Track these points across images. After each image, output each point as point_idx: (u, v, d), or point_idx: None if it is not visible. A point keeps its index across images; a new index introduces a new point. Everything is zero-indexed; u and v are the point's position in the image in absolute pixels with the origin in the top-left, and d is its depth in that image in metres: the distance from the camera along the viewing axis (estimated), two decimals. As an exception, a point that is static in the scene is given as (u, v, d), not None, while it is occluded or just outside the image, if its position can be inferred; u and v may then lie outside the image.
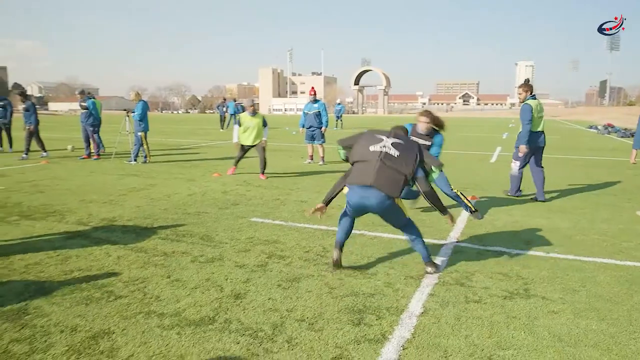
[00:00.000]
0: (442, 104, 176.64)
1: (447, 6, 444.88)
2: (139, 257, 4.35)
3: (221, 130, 26.30)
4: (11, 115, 14.06)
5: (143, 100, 11.27)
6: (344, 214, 4.09)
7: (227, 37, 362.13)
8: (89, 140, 12.53)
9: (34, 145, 12.80)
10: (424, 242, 4.04)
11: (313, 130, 11.46)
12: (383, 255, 4.46)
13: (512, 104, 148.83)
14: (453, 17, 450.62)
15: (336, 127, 28.27)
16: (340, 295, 3.54)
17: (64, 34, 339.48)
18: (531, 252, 4.60)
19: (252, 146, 9.30)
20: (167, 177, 9.25)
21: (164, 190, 7.80)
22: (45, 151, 12.90)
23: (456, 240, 4.98)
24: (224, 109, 27.41)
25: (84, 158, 12.43)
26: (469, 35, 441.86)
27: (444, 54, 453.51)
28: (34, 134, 12.55)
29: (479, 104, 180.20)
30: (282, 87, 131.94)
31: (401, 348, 2.79)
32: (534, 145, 7.04)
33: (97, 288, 3.63)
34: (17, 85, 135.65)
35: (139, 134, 11.18)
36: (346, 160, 4.12)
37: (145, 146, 11.36)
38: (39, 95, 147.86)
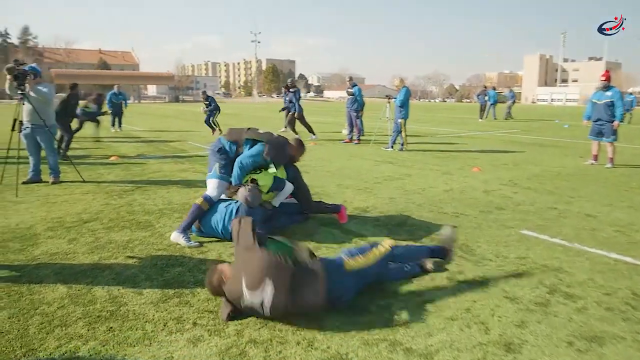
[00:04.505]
0: None
1: None
2: (388, 261, 3.84)
3: (480, 120, 24.65)
4: (298, 101, 15.91)
5: (406, 87, 11.00)
6: None
7: (489, 24, 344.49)
8: (352, 125, 13.06)
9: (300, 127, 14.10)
10: None
11: (602, 125, 9.24)
12: None
13: None
14: None
15: (621, 120, 23.18)
16: (679, 386, 2.26)
17: (340, 30, 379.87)
18: None
19: None
20: (422, 167, 8.72)
21: (418, 182, 7.26)
22: (313, 134, 14.06)
23: None
24: (485, 98, 25.60)
25: (346, 142, 13.05)
26: None
27: None
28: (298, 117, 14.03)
29: None
30: (550, 75, 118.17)
31: None
32: None
33: (341, 292, 3.24)
34: (301, 76, 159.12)
35: (399, 120, 10.99)
36: None
37: (403, 133, 11.12)
38: (317, 84, 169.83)
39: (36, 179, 7.06)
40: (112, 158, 9.73)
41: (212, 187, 4.39)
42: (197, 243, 4.17)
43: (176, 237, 4.20)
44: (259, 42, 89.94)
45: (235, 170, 4.37)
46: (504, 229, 4.77)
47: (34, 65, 6.71)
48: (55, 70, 65.83)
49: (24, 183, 6.89)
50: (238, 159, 4.39)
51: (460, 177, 7.75)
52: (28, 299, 3.11)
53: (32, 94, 6.48)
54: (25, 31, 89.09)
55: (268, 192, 4.53)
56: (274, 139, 4.54)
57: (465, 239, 4.44)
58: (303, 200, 4.89)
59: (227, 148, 4.52)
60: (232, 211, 4.22)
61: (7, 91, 6.44)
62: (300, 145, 4.77)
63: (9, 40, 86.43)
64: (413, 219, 5.14)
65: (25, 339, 2.61)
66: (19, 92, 6.33)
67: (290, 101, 15.08)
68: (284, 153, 4.60)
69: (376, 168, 8.57)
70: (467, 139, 14.40)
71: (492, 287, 3.33)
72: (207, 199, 4.32)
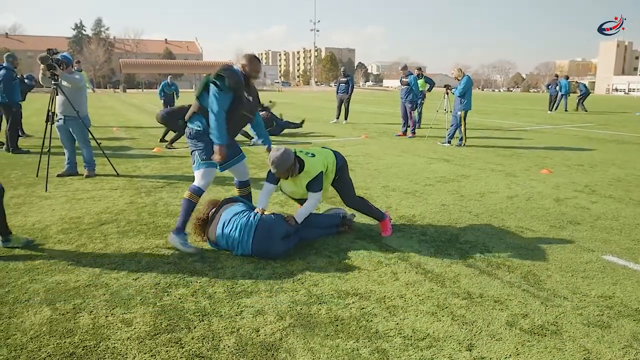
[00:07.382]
0: None
1: None
2: (433, 292, 3.13)
3: (549, 112, 22.82)
4: (352, 90, 15.27)
5: (467, 76, 9.99)
6: None
7: (562, 9, 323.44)
8: (406, 117, 12.20)
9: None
10: None
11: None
12: None
13: None
14: None
15: None
16: None
17: (402, 20, 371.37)
18: None
19: None
20: (483, 167, 7.79)
21: (477, 185, 6.40)
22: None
23: None
24: (556, 88, 23.58)
25: (399, 135, 12.23)
26: None
27: None
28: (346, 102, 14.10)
29: None
30: (629, 64, 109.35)
31: None
32: None
33: (369, 347, 2.58)
34: (360, 65, 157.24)
35: (459, 113, 10.03)
36: None
37: (462, 127, 10.14)
38: (377, 73, 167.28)
39: (72, 171, 6.88)
40: (155, 150, 9.52)
41: (198, 177, 3.98)
42: (194, 248, 3.83)
43: (172, 239, 3.86)
44: (318, 31, 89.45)
45: (211, 117, 3.70)
46: (582, 253, 3.89)
47: (66, 54, 6.47)
48: (123, 60, 68.75)
49: (59, 175, 6.73)
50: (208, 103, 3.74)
51: (527, 180, 6.78)
52: (5, 322, 2.70)
53: (64, 82, 6.25)
54: (99, 23, 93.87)
55: (307, 189, 3.97)
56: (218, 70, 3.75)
57: (532, 264, 3.62)
58: (345, 192, 4.27)
59: (196, 126, 3.87)
60: (250, 227, 3.67)
61: (40, 82, 6.24)
62: (252, 59, 3.89)
63: (84, 32, 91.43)
64: (467, 233, 4.35)
65: (-22, 383, 2.17)
66: (52, 82, 6.11)
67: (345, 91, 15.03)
68: (236, 72, 3.76)
69: (429, 167, 7.75)
70: (534, 134, 13.10)
71: (568, 342, 2.54)
72: (195, 191, 3.94)
